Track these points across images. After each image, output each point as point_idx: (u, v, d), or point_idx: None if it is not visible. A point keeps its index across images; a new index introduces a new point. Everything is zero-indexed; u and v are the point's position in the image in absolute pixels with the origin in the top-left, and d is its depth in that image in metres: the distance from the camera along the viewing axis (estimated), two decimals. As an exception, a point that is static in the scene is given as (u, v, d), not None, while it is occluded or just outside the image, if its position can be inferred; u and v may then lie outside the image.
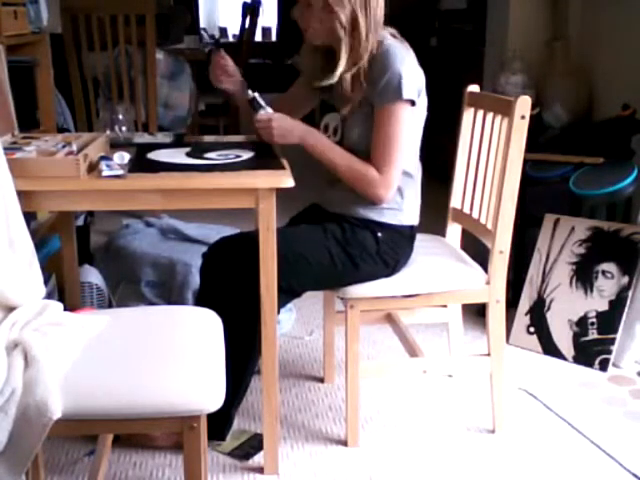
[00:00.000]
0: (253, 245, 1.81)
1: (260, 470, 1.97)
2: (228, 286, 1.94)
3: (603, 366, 2.52)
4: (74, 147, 1.86)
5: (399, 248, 2.02)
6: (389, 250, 1.99)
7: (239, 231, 2.14)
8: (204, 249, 2.12)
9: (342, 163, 1.95)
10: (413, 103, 1.93)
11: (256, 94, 1.97)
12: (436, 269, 2.06)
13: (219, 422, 1.99)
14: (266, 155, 1.99)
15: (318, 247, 1.95)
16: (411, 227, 2.06)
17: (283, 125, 1.92)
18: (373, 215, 2.00)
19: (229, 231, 2.36)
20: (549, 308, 2.70)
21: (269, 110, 1.96)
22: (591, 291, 2.62)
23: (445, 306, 2.31)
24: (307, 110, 2.23)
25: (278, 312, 1.88)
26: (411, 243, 2.07)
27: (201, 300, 2.02)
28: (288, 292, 1.94)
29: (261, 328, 1.86)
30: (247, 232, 2.06)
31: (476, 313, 2.78)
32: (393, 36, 1.99)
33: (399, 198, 2.00)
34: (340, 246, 1.97)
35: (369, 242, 1.98)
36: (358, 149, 1.98)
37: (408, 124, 1.94)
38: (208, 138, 2.31)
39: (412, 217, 2.06)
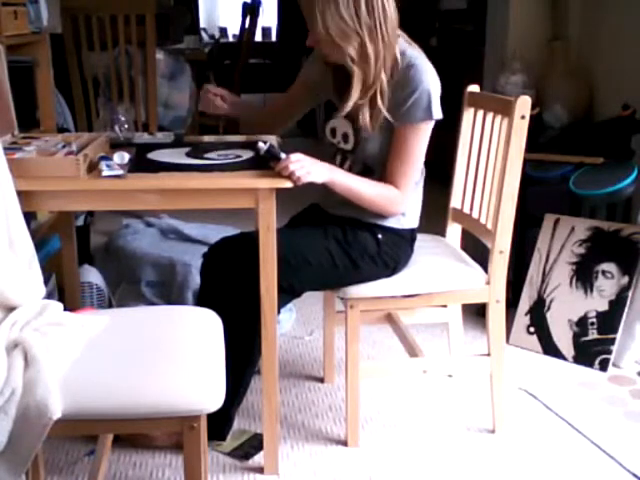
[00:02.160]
0: (253, 245, 1.81)
1: (260, 470, 1.97)
2: (228, 286, 1.94)
3: (603, 366, 2.52)
4: (74, 147, 1.86)
5: (399, 250, 2.02)
6: (389, 251, 1.99)
7: (239, 231, 2.14)
8: (204, 249, 2.12)
9: (370, 192, 1.91)
10: (437, 120, 1.91)
11: (267, 145, 1.84)
12: (436, 269, 2.06)
13: (219, 422, 1.99)
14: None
15: (319, 248, 1.95)
16: (412, 230, 2.06)
17: (303, 164, 1.78)
18: (375, 219, 1.99)
19: (229, 231, 2.35)
20: (549, 308, 2.70)
21: (283, 156, 1.80)
22: (591, 291, 2.62)
23: (445, 306, 2.31)
24: (304, 111, 2.22)
25: (278, 312, 1.88)
26: (411, 245, 2.07)
27: (201, 300, 2.02)
28: (289, 292, 1.94)
29: (261, 328, 1.86)
30: (247, 232, 2.05)
31: (476, 313, 2.78)
32: (408, 43, 1.94)
33: None
34: (341, 247, 1.96)
35: (370, 244, 1.98)
36: (373, 161, 1.97)
37: (426, 140, 1.94)
38: (208, 138, 2.30)
39: (413, 221, 2.06)
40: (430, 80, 1.87)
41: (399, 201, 1.95)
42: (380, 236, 1.99)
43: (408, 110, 1.87)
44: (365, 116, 1.90)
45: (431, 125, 1.92)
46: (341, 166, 2.01)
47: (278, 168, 1.76)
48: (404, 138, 1.90)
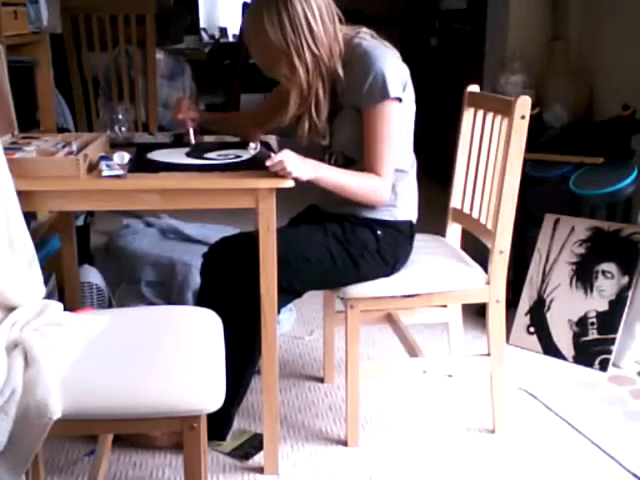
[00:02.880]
0: (253, 245, 1.82)
1: (260, 470, 1.97)
2: (228, 286, 1.94)
3: (603, 366, 2.52)
4: (74, 147, 1.87)
5: (398, 246, 2.02)
6: (388, 248, 2.00)
7: (239, 231, 2.14)
8: (204, 249, 2.12)
9: (354, 183, 1.93)
10: (400, 100, 1.93)
11: (258, 146, 2.00)
12: (436, 269, 2.06)
13: (219, 422, 1.99)
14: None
15: (319, 247, 1.96)
16: (410, 224, 2.06)
17: (294, 160, 1.82)
18: (370, 213, 2.00)
19: (229, 231, 2.36)
20: (549, 308, 2.70)
21: (273, 154, 1.85)
22: (591, 291, 2.62)
23: (445, 306, 2.31)
24: (278, 122, 2.22)
25: (279, 312, 1.88)
26: (410, 241, 2.07)
27: (201, 300, 2.02)
28: (289, 292, 1.94)
29: (261, 328, 1.86)
30: (247, 232, 2.06)
31: (476, 313, 2.78)
32: (372, 37, 1.99)
33: (392, 195, 2.00)
34: (341, 245, 1.97)
35: (369, 240, 1.98)
36: (350, 152, 2.00)
37: (397, 121, 1.95)
38: (208, 138, 2.31)
39: (408, 213, 2.06)
40: (385, 62, 1.90)
41: (382, 188, 1.95)
42: (379, 232, 1.99)
43: (366, 95, 1.90)
44: (304, 125, 1.98)
45: (394, 106, 1.92)
46: (329, 162, 2.04)
47: (270, 166, 1.80)
48: (370, 123, 1.92)
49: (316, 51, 1.90)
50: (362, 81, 1.90)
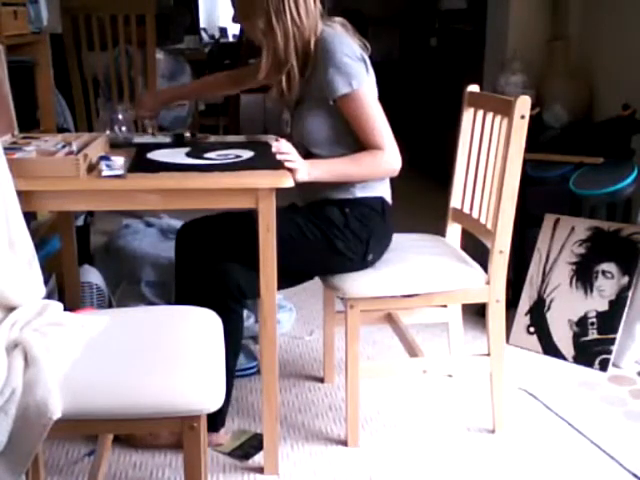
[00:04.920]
0: (214, 225, 1.96)
1: (260, 470, 1.97)
2: (194, 269, 2.03)
3: (603, 366, 2.52)
4: (74, 147, 1.86)
5: (369, 221, 2.03)
6: (358, 223, 2.01)
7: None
8: (204, 249, 2.13)
9: (355, 166, 1.98)
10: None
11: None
12: (436, 269, 2.06)
13: (211, 415, 1.98)
14: (266, 155, 1.99)
15: (286, 223, 1.95)
16: (381, 200, 2.07)
17: (298, 156, 1.91)
18: (337, 194, 2.03)
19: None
20: (549, 308, 2.70)
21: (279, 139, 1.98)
22: (591, 291, 2.62)
23: (445, 306, 2.31)
24: (253, 85, 2.31)
25: (259, 295, 1.88)
26: (384, 217, 2.07)
27: (177, 292, 2.16)
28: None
29: (238, 309, 1.91)
30: (210, 215, 2.14)
31: (476, 313, 2.78)
32: (343, 25, 2.03)
33: None
34: (308, 220, 2.00)
35: (336, 216, 2.01)
36: (308, 142, 2.02)
37: (373, 98, 1.99)
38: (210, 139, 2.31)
39: (378, 190, 2.07)
40: (343, 52, 1.92)
41: (388, 158, 1.98)
42: (347, 209, 2.02)
43: (334, 85, 1.93)
44: (273, 92, 2.03)
45: (365, 86, 1.95)
46: None
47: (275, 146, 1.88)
48: (350, 111, 1.95)
49: (297, 18, 1.93)
50: (326, 72, 1.93)
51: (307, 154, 2.02)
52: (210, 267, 1.96)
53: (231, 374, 2.03)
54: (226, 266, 1.94)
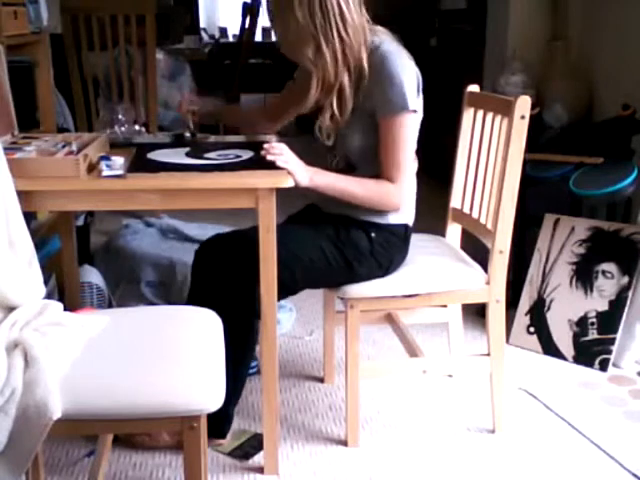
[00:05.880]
0: (246, 242, 1.82)
1: (260, 470, 1.97)
2: (222, 284, 1.93)
3: (603, 366, 2.52)
4: (74, 147, 1.86)
5: (392, 249, 2.01)
6: (382, 251, 1.99)
7: (232, 229, 2.15)
8: (204, 249, 2.11)
9: (361, 190, 1.93)
10: (416, 111, 1.93)
11: None
12: (436, 269, 2.06)
13: (218, 420, 1.99)
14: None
15: (310, 245, 1.95)
16: (405, 227, 2.05)
17: (292, 155, 1.85)
18: (365, 216, 1.99)
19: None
20: (549, 308, 2.70)
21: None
22: (591, 291, 2.62)
23: (445, 306, 2.31)
24: (294, 114, 2.23)
25: None
26: (406, 244, 2.06)
27: (192, 298, 2.01)
28: (280, 289, 1.92)
29: (257, 325, 1.86)
30: (240, 230, 2.06)
31: (476, 313, 2.78)
32: (386, 35, 1.96)
33: None
34: (334, 245, 1.97)
35: (363, 242, 1.98)
36: (354, 157, 1.98)
37: (414, 131, 1.95)
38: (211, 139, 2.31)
39: (406, 216, 2.05)
40: (404, 72, 1.88)
41: (395, 194, 1.95)
42: (373, 234, 1.99)
43: (385, 103, 1.88)
44: (325, 117, 1.94)
45: (412, 117, 1.92)
46: (331, 164, 2.04)
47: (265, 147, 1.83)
48: (387, 130, 1.91)
49: (346, 38, 1.85)
50: (381, 88, 1.87)
51: (348, 167, 1.99)
52: (236, 286, 1.90)
53: (242, 384, 2.03)
54: (254, 286, 1.86)
